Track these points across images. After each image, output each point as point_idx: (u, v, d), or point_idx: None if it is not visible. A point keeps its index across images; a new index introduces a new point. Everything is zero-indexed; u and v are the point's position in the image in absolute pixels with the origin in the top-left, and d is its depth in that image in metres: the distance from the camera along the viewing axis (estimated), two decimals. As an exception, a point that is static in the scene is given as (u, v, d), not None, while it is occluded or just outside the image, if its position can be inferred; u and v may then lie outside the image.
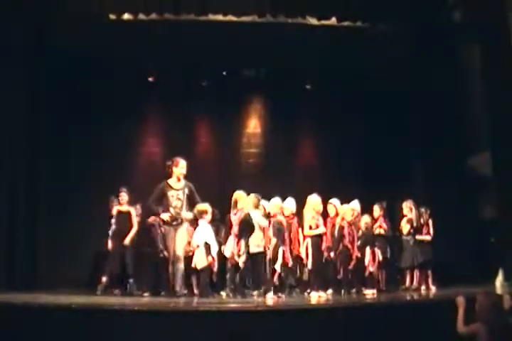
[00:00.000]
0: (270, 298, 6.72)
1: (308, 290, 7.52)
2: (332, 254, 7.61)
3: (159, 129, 10.17)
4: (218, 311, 5.26)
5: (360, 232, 7.79)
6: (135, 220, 7.86)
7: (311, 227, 7.58)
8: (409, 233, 8.06)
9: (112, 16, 8.34)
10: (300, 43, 8.99)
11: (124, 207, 7.90)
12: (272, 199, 7.63)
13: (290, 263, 7.42)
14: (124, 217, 7.85)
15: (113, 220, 7.88)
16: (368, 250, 7.76)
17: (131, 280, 7.73)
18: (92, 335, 4.99)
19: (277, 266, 7.30)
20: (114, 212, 7.90)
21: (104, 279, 7.61)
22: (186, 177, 7.42)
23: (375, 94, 9.93)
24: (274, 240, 7.24)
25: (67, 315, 5.15)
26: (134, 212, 7.90)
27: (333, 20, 8.60)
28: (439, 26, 9.05)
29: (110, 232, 7.82)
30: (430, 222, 8.07)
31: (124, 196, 7.90)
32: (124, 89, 9.52)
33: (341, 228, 7.66)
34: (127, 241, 7.75)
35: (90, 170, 9.00)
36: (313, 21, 8.65)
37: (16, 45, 8.24)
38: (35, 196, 8.67)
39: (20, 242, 8.26)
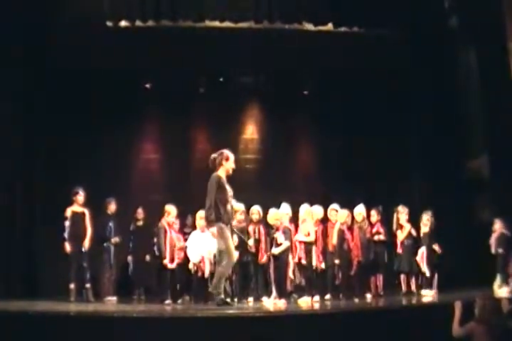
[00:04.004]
0: (268, 304, 6.72)
1: (306, 296, 7.50)
2: (336, 260, 7.65)
3: (155, 136, 10.18)
4: (217, 317, 5.25)
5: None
6: (88, 222, 7.58)
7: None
8: (405, 237, 8.08)
9: (109, 23, 8.37)
10: (296, 49, 9.02)
11: (79, 208, 7.60)
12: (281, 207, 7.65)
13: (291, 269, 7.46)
14: (79, 218, 7.53)
15: (67, 222, 7.52)
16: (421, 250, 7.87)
17: (87, 286, 7.44)
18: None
19: (290, 273, 7.36)
20: (69, 213, 7.55)
21: (72, 286, 7.30)
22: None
23: (371, 98, 9.95)
24: (285, 245, 7.24)
25: (66, 322, 5.14)
26: (88, 214, 7.62)
27: (330, 26, 8.65)
28: (436, 30, 9.09)
29: (66, 234, 7.47)
30: (428, 225, 8.08)
31: (81, 196, 7.61)
32: (121, 96, 9.52)
33: (341, 232, 7.66)
34: (86, 244, 7.46)
35: (88, 176, 8.95)
36: (310, 27, 8.69)
37: (16, 49, 8.28)
38: (32, 203, 8.67)
39: (19, 249, 8.24)
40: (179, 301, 7.40)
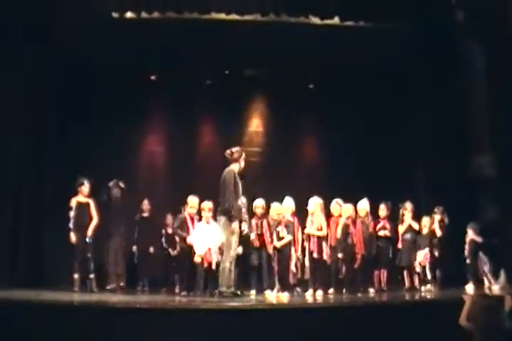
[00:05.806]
0: (271, 296, 6.75)
1: (310, 289, 7.51)
2: (339, 254, 7.61)
3: (161, 128, 10.19)
4: (219, 309, 5.27)
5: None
6: (94, 212, 7.61)
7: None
8: (404, 231, 8.11)
9: (115, 15, 8.35)
10: (303, 42, 8.97)
11: (84, 199, 7.62)
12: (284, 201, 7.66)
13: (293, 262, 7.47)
14: (84, 209, 7.56)
15: (72, 213, 7.51)
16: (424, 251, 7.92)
17: (91, 276, 7.45)
18: (93, 332, 5.01)
19: (292, 266, 7.39)
20: (74, 203, 7.55)
21: (76, 276, 7.34)
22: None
23: (377, 93, 9.91)
24: (287, 239, 7.30)
25: (69, 312, 5.17)
26: (93, 204, 7.64)
27: (336, 20, 8.61)
28: (442, 25, 9.02)
29: (71, 225, 7.47)
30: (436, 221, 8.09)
31: (86, 187, 7.63)
32: (126, 88, 9.51)
33: (345, 227, 7.66)
34: (90, 234, 7.48)
35: (92, 169, 8.94)
36: (316, 20, 8.64)
37: (18, 44, 8.23)
38: (39, 193, 8.70)
39: (24, 239, 8.27)
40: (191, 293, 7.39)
